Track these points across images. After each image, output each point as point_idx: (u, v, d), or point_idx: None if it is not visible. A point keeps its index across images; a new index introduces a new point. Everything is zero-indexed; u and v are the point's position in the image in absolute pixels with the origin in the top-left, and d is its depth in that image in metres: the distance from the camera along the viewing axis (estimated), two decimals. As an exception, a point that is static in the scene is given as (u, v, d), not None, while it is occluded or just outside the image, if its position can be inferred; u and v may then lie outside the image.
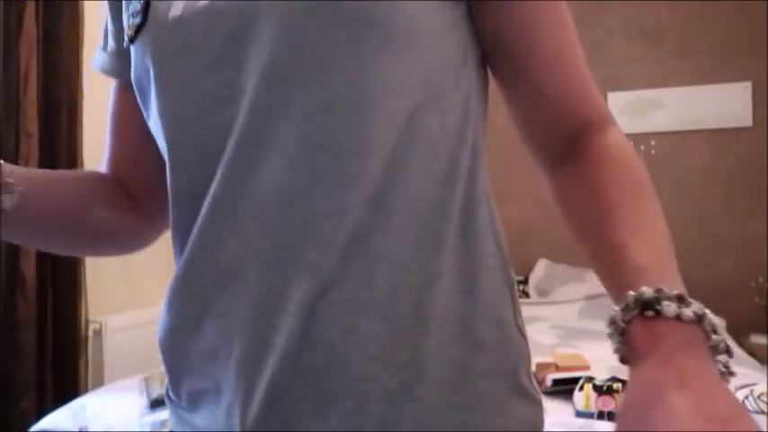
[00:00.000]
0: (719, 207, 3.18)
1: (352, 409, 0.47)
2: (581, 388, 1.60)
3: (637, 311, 0.41)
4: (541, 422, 0.57)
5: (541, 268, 3.35)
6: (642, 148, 3.30)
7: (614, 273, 0.46)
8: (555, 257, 3.39)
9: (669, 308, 0.40)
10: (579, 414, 1.57)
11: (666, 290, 0.41)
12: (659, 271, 0.45)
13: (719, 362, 0.41)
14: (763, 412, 1.39)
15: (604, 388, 1.57)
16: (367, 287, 0.47)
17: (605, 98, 3.34)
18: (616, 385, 1.57)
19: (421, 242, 0.49)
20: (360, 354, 0.47)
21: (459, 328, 0.50)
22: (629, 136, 3.60)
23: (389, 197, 0.48)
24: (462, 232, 0.51)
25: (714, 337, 0.40)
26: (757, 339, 2.88)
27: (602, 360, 2.10)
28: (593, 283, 3.17)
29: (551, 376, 1.74)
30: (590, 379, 1.62)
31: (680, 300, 0.41)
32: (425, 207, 0.49)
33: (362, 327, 0.47)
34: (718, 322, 0.41)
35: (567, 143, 0.55)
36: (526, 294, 3.32)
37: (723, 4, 3.18)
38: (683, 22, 3.26)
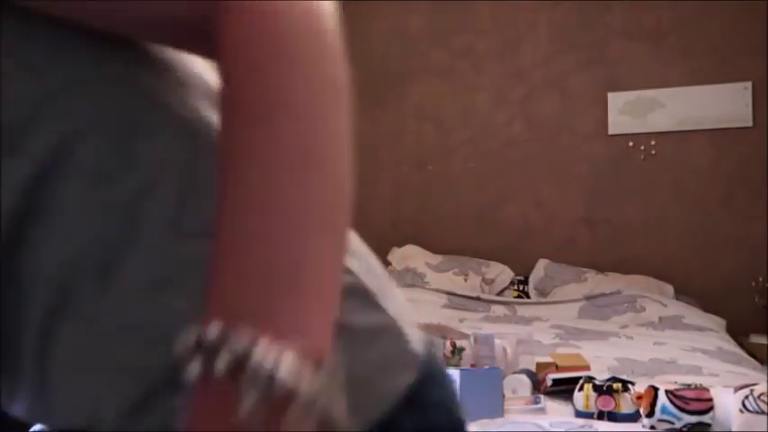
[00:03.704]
0: (720, 207, 3.18)
1: None
2: (581, 388, 1.60)
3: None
4: None
5: (541, 268, 3.35)
6: (642, 148, 3.30)
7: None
8: (555, 257, 3.39)
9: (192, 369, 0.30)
10: (579, 414, 1.58)
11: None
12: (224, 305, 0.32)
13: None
14: (763, 412, 1.39)
15: (604, 388, 1.57)
16: None
17: (605, 98, 3.35)
18: (616, 385, 1.57)
19: None
20: None
21: None
22: (630, 136, 3.59)
23: None
24: None
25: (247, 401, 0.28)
26: (757, 339, 2.88)
27: (602, 360, 2.11)
28: (593, 283, 3.17)
29: (551, 376, 1.74)
30: (590, 379, 1.62)
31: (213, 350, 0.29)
32: None
33: None
34: (291, 365, 0.29)
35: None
36: (526, 294, 3.31)
37: (723, 4, 3.18)
38: (683, 22, 3.26)
